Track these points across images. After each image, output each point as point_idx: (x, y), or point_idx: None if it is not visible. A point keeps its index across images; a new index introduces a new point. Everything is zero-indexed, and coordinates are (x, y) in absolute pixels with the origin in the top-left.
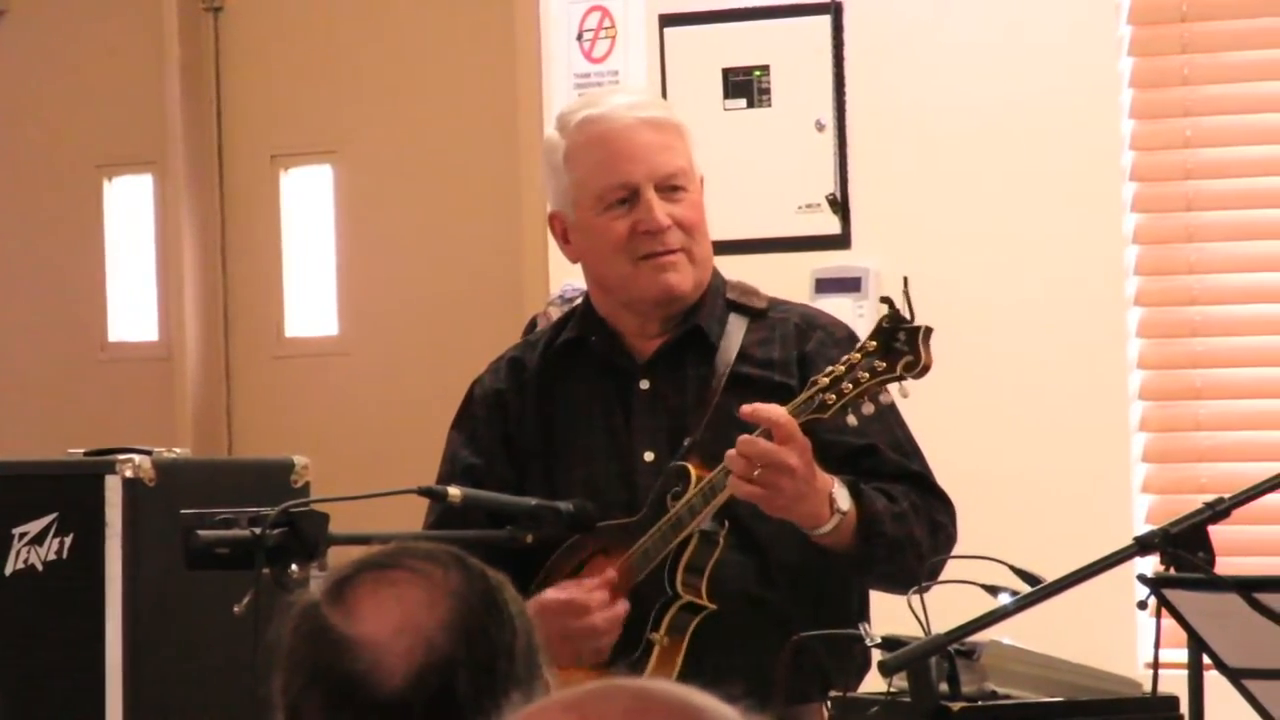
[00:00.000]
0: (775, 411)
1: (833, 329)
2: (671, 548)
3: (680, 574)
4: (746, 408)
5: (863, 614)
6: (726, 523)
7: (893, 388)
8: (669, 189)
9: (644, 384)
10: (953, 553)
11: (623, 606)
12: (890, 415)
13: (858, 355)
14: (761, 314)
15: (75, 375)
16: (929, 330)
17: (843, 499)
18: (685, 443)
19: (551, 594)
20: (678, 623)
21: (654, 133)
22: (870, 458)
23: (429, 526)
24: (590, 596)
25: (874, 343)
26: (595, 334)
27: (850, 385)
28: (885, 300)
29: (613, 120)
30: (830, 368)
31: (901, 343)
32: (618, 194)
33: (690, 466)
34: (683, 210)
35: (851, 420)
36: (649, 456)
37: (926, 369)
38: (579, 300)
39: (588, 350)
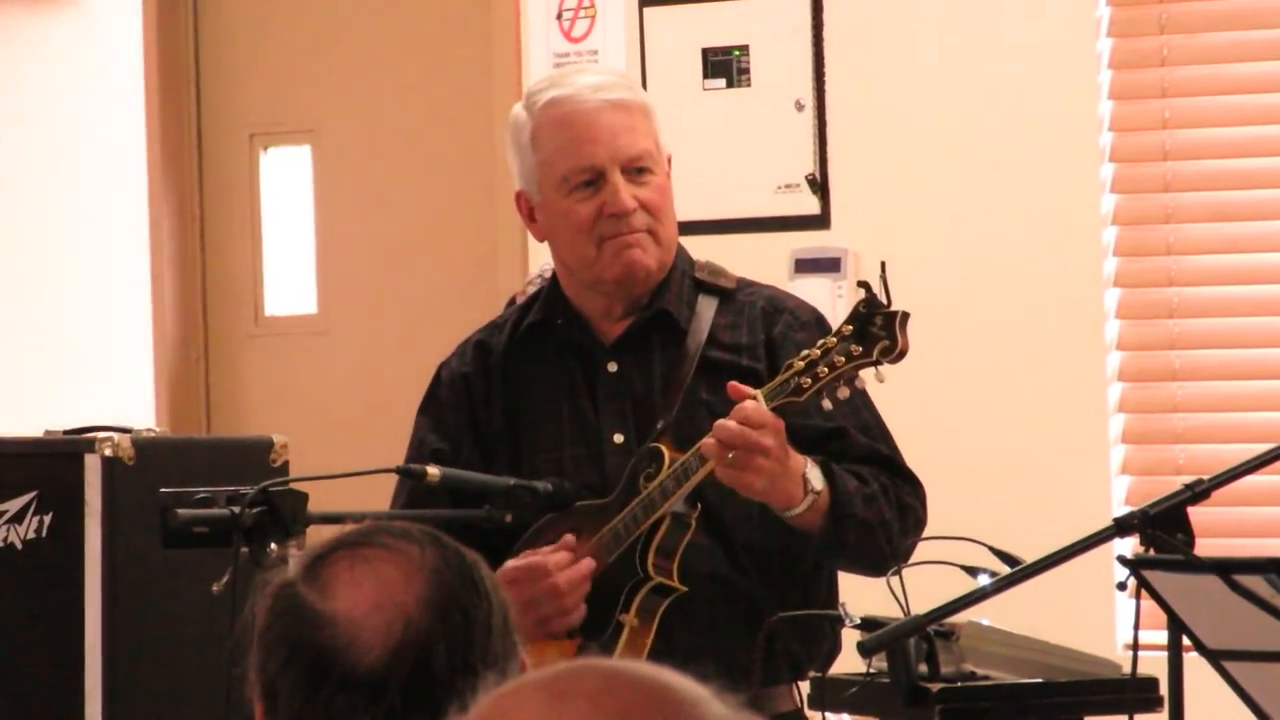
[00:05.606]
0: (749, 393)
1: (799, 311)
2: (643, 529)
3: (652, 556)
4: (734, 384)
5: (831, 596)
6: (699, 505)
7: (868, 372)
8: (634, 171)
9: (612, 366)
10: (932, 534)
11: (586, 564)
12: (860, 399)
13: (833, 340)
14: (730, 294)
15: None
16: (906, 315)
17: (816, 479)
18: (659, 425)
19: (511, 563)
20: (648, 604)
21: (619, 115)
22: (839, 440)
23: (399, 506)
24: (549, 558)
25: (850, 327)
26: (561, 316)
27: (826, 369)
28: (862, 284)
29: (579, 102)
30: (805, 351)
31: (878, 327)
32: (583, 177)
33: (664, 448)
34: (648, 193)
35: (826, 405)
36: (618, 438)
37: (903, 354)
38: None
39: (554, 333)
